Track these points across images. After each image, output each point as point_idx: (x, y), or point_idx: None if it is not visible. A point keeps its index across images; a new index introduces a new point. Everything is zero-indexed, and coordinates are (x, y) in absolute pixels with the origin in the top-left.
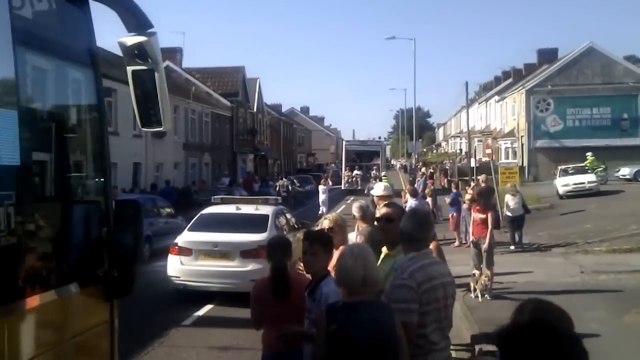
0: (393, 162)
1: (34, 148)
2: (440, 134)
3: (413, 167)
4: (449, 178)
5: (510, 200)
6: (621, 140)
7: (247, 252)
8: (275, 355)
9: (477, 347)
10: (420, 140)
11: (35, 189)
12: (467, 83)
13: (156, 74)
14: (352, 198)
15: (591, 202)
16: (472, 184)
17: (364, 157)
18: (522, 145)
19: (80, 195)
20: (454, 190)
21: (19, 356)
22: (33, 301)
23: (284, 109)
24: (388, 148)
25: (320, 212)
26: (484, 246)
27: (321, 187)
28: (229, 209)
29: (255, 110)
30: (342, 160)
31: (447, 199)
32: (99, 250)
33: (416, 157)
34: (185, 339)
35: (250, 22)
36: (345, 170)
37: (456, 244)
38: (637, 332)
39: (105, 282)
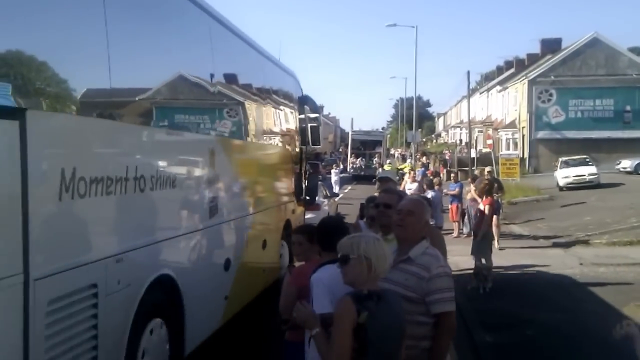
0: (392, 151)
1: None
2: (440, 124)
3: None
4: (448, 169)
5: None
6: (623, 133)
7: None
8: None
9: (475, 337)
10: (419, 130)
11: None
12: (468, 72)
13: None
14: (354, 182)
15: (591, 194)
16: (479, 174)
17: (368, 145)
18: (523, 136)
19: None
20: (455, 182)
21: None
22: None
23: None
24: (387, 137)
25: (334, 190)
26: (479, 237)
27: (333, 171)
28: None
29: None
30: (345, 149)
31: (450, 191)
32: (302, 188)
33: (415, 147)
34: None
35: (246, 5)
36: (351, 157)
37: (454, 234)
38: (636, 325)
39: (304, 200)
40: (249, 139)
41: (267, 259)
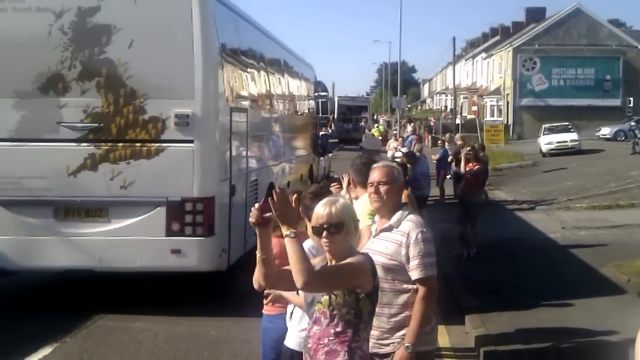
0: (377, 117)
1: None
2: (425, 90)
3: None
4: (433, 135)
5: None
6: (603, 101)
7: None
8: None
9: (482, 350)
10: (404, 96)
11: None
12: (454, 38)
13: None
14: (341, 145)
15: (573, 160)
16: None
17: (354, 111)
18: (508, 103)
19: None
20: (442, 147)
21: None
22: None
23: None
24: (371, 103)
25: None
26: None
27: (321, 133)
28: None
29: None
30: (333, 113)
31: (435, 156)
32: (317, 143)
33: (400, 113)
34: (140, 305)
35: None
36: (338, 121)
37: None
38: (612, 284)
39: (319, 152)
40: (297, 112)
41: (302, 187)
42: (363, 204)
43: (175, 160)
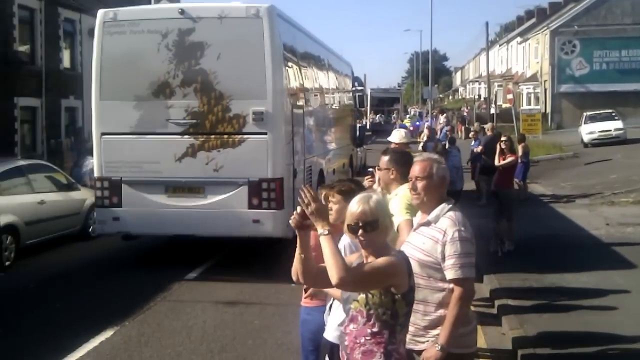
0: (408, 108)
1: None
2: (457, 79)
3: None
4: (467, 126)
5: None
6: None
7: None
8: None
9: (496, 302)
10: (436, 85)
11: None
12: (487, 23)
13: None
14: (374, 137)
15: (617, 150)
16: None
17: (386, 103)
18: (545, 90)
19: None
20: (476, 138)
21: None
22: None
23: None
24: (403, 94)
25: None
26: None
27: (358, 126)
28: None
29: None
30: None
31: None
32: (355, 135)
33: (432, 103)
34: (190, 294)
35: None
36: (370, 113)
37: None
38: None
39: (356, 143)
40: (340, 107)
41: (344, 175)
42: (400, 198)
43: (253, 148)
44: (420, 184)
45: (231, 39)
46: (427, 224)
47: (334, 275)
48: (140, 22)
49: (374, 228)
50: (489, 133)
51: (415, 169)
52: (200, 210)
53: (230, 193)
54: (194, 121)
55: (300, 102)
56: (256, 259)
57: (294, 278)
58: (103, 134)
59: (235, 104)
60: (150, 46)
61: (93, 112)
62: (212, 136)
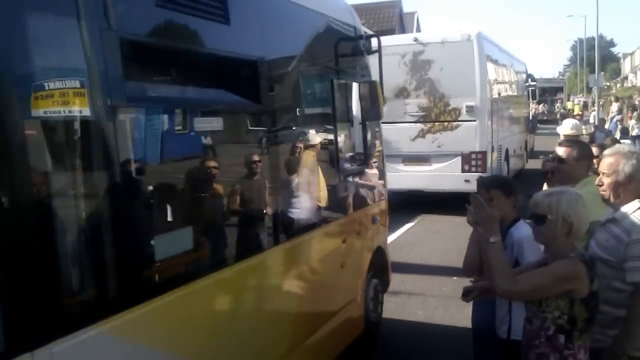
0: (572, 98)
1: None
2: (627, 65)
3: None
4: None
5: None
6: None
7: None
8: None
9: None
10: (602, 73)
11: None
12: None
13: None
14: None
15: None
16: None
17: (549, 92)
18: None
19: (528, 113)
20: None
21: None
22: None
23: None
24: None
25: None
26: None
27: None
28: None
29: None
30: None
31: None
32: (529, 123)
33: (598, 91)
34: None
35: None
36: (533, 104)
37: None
38: None
39: (529, 130)
40: (519, 99)
41: (522, 157)
42: (592, 195)
43: (466, 131)
44: (606, 180)
45: (450, 56)
46: (613, 221)
47: (497, 286)
48: (387, 47)
49: (546, 224)
50: None
51: (603, 164)
52: (427, 173)
53: (449, 162)
54: (424, 113)
55: (495, 98)
56: (415, 251)
57: (465, 271)
58: None
59: (453, 101)
60: (392, 64)
61: None
62: (437, 123)
